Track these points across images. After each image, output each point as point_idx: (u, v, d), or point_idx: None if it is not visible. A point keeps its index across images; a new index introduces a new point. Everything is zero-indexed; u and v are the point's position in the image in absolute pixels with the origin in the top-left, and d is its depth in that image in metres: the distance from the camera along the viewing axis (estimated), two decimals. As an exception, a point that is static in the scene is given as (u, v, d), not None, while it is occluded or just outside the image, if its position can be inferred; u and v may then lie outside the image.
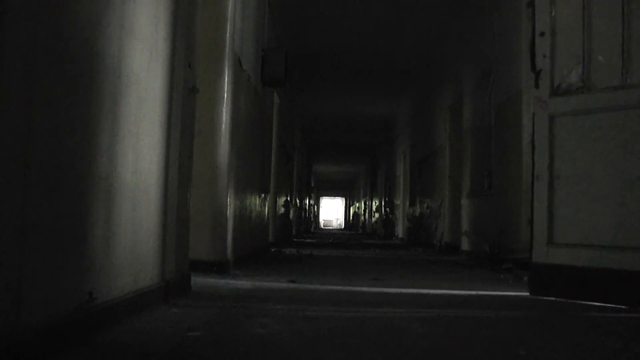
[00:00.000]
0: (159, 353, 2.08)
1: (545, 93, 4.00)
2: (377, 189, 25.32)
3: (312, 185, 30.54)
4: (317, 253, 9.26)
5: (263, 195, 8.19)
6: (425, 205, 13.50)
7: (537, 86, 4.05)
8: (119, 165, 2.51)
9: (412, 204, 15.28)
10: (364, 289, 4.38)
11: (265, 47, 7.62)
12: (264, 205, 8.47)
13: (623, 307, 3.50)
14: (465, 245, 9.37)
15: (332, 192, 47.83)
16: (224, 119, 5.14)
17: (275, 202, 10.71)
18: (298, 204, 18.71)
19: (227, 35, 5.21)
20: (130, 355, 2.04)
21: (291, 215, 14.88)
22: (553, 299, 3.86)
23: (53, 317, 1.92)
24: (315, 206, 39.45)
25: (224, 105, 5.15)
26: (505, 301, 3.92)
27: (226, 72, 5.18)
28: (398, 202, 18.32)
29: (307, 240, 16.15)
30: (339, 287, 4.41)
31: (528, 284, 4.12)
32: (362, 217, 34.04)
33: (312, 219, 31.72)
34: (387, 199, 21.41)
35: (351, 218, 43.62)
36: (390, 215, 20.10)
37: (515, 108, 6.95)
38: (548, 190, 3.93)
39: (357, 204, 38.95)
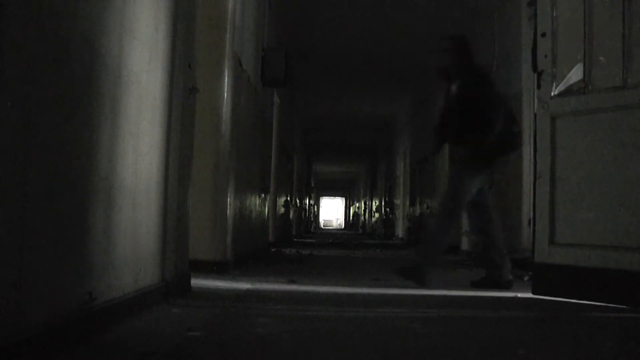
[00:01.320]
0: (159, 353, 2.07)
1: (547, 94, 4.00)
2: (377, 189, 25.31)
3: (312, 185, 30.53)
4: (317, 253, 9.26)
5: (263, 195, 8.19)
6: (425, 205, 13.50)
7: (538, 87, 4.06)
8: (119, 165, 2.51)
9: (412, 204, 15.27)
10: (364, 289, 4.38)
11: (265, 47, 7.62)
12: (264, 205, 8.47)
13: (625, 307, 3.50)
14: (465, 245, 9.37)
15: (332, 192, 47.80)
16: (224, 119, 5.14)
17: (275, 202, 10.70)
18: (298, 204, 18.70)
19: (227, 35, 5.21)
20: (130, 355, 2.04)
21: (291, 215, 14.88)
22: (555, 298, 3.86)
23: (53, 317, 1.92)
24: (315, 206, 39.43)
25: (224, 105, 5.15)
26: (505, 301, 3.92)
27: (226, 72, 5.17)
28: (398, 202, 18.32)
29: (307, 240, 16.15)
30: (339, 287, 4.41)
31: (531, 283, 4.14)
32: (362, 217, 34.03)
33: (312, 219, 31.71)
34: (387, 199, 21.40)
35: (351, 218, 43.61)
36: (390, 215, 20.10)
37: (515, 108, 6.94)
38: (550, 190, 3.93)
39: (357, 204, 38.94)
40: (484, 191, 4.75)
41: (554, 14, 3.98)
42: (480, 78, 4.82)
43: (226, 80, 5.16)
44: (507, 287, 4.51)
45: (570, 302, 3.76)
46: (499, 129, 4.58)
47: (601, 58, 3.74)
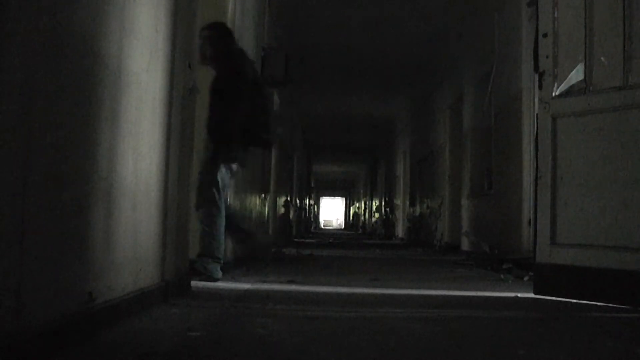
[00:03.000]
0: (159, 353, 2.07)
1: (548, 94, 4.00)
2: (377, 189, 25.33)
3: (312, 185, 30.53)
4: (317, 253, 9.25)
5: (263, 195, 8.19)
6: (425, 205, 13.51)
7: (540, 87, 4.06)
8: (119, 165, 2.51)
9: (412, 204, 15.28)
10: (364, 289, 4.38)
11: (265, 46, 7.62)
12: (264, 205, 8.47)
13: (625, 307, 3.50)
14: (465, 245, 9.37)
15: (332, 192, 47.83)
16: (224, 119, 5.12)
17: (275, 202, 10.70)
18: (298, 204, 18.71)
19: (227, 35, 5.20)
20: (130, 355, 2.04)
21: (291, 215, 14.88)
22: (557, 299, 3.86)
23: (53, 317, 1.92)
24: (315, 206, 39.44)
25: (224, 105, 5.13)
26: (505, 301, 3.92)
27: (226, 72, 5.16)
28: (398, 202, 18.33)
29: (307, 240, 16.15)
30: (339, 287, 4.41)
31: (532, 283, 4.14)
32: (362, 217, 34.05)
33: (312, 219, 31.72)
34: (387, 199, 21.42)
35: (351, 218, 43.63)
36: (390, 215, 20.11)
37: (515, 108, 6.95)
38: (551, 190, 3.93)
39: (357, 204, 38.96)
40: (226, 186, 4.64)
41: (555, 15, 3.99)
42: (231, 68, 4.66)
43: (226, 80, 5.14)
44: (212, 281, 4.35)
45: (571, 302, 3.76)
46: (241, 120, 4.51)
47: (602, 58, 3.74)
